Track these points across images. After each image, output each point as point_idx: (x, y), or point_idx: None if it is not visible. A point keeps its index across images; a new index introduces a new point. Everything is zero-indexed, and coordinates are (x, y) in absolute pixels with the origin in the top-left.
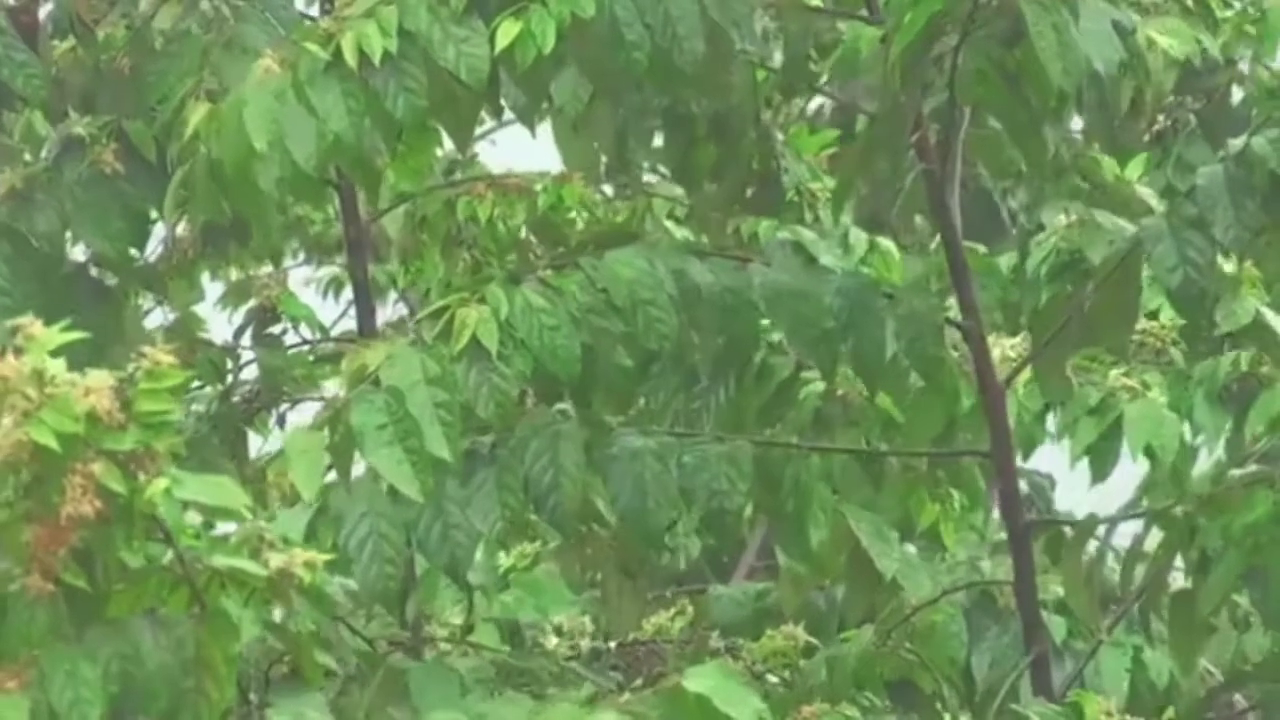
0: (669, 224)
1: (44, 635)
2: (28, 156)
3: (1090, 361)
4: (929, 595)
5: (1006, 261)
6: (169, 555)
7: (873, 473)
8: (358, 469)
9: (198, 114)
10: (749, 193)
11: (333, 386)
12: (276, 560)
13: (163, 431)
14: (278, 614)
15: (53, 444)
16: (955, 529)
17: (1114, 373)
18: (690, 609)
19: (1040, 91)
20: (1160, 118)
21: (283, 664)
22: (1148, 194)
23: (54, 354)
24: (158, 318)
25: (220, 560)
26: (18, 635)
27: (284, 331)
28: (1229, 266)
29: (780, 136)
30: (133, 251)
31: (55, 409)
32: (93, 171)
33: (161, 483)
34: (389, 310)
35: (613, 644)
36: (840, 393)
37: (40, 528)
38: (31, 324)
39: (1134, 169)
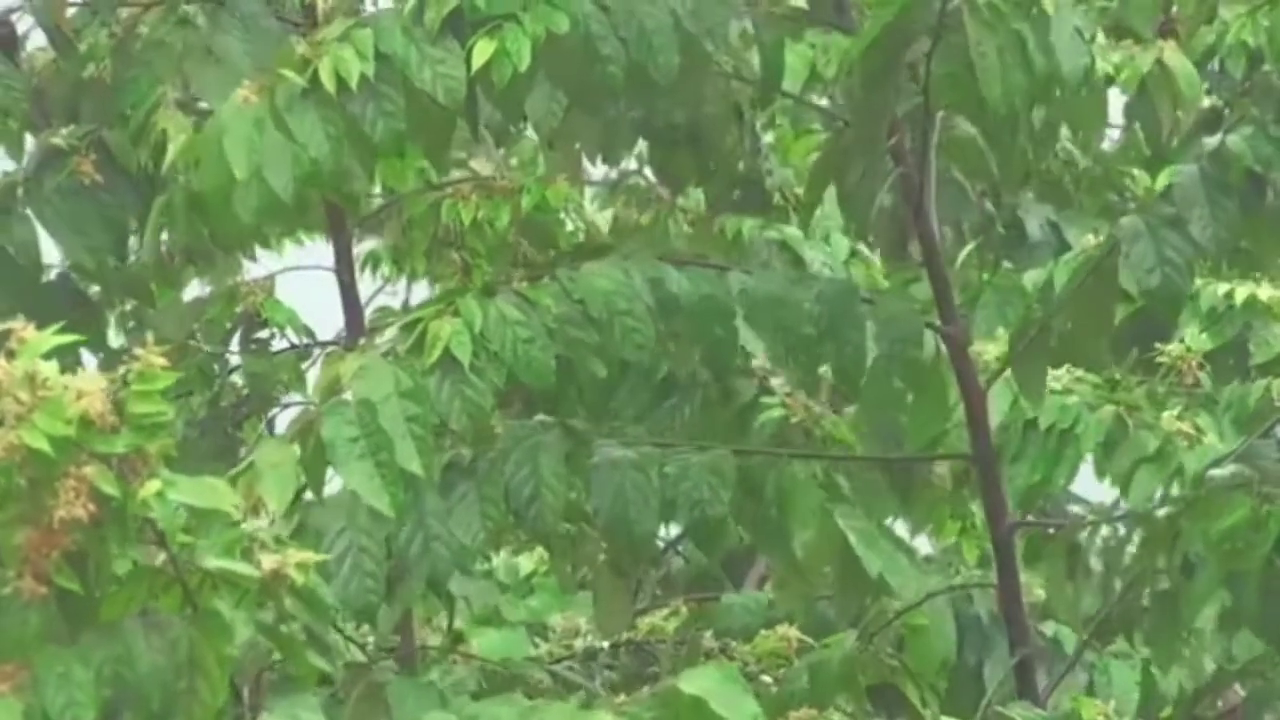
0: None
1: (37, 638)
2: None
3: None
4: (915, 598)
5: (1032, 279)
6: (161, 557)
7: (899, 487)
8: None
9: (174, 137)
10: (735, 195)
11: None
12: (269, 562)
13: (155, 434)
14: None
15: (45, 447)
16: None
17: (1167, 415)
18: (685, 610)
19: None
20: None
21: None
22: None
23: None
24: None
25: (212, 562)
26: (10, 638)
27: (272, 336)
28: (1262, 294)
29: (766, 140)
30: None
31: (48, 412)
32: (72, 182)
33: (154, 485)
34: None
35: (606, 644)
36: (797, 420)
37: (33, 531)
38: (23, 328)
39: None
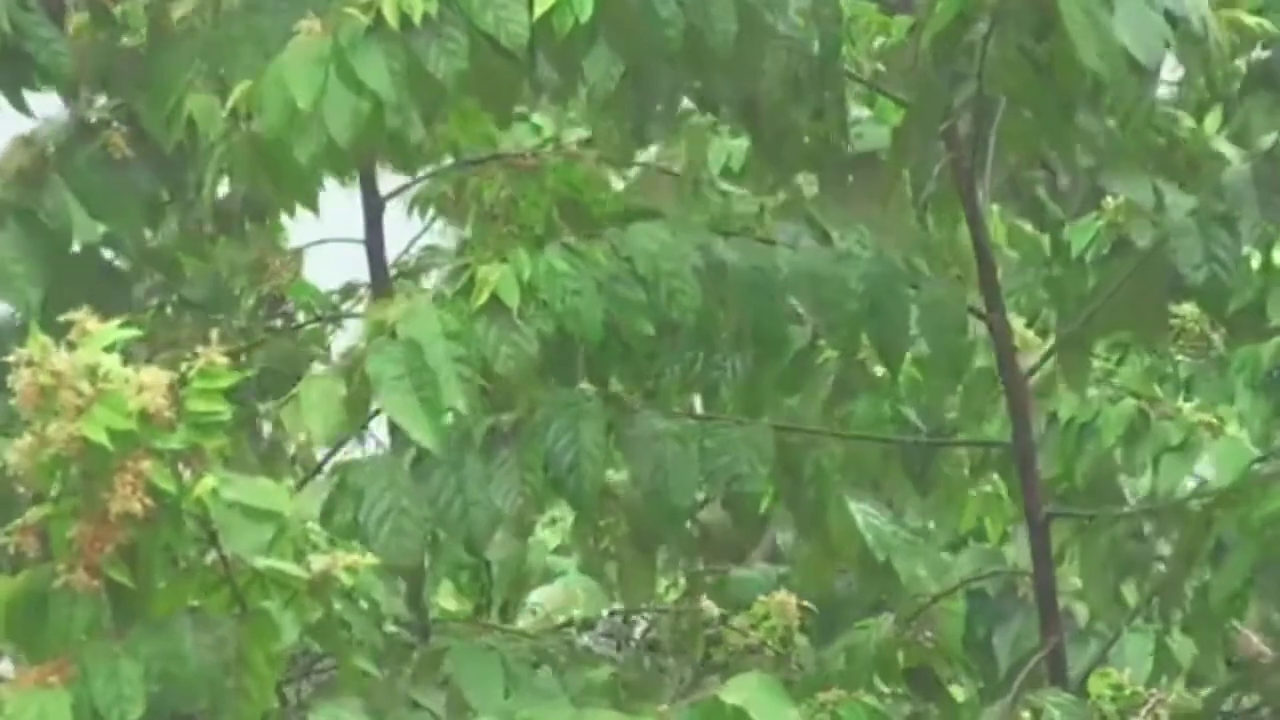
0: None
1: (83, 632)
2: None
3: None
4: (939, 582)
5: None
6: (211, 555)
7: (921, 477)
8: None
9: (202, 118)
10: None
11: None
12: (319, 563)
13: (212, 432)
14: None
15: (104, 440)
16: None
17: (1188, 406)
18: (683, 581)
19: (1071, 81)
20: None
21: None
22: (1225, 148)
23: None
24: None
25: (262, 561)
26: (58, 631)
27: (297, 310)
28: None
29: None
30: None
31: (108, 405)
32: (103, 154)
33: (210, 482)
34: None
35: (605, 612)
36: (861, 356)
37: (86, 524)
38: (86, 319)
39: (1212, 122)
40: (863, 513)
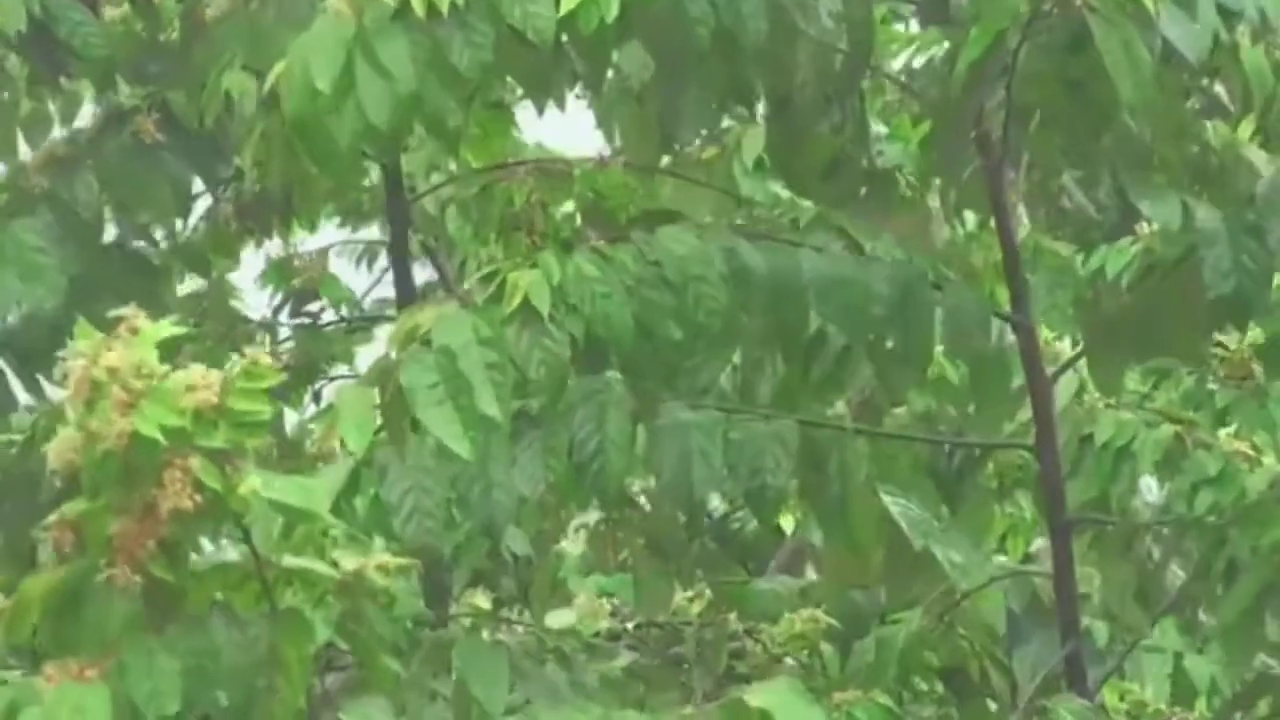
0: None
1: (120, 628)
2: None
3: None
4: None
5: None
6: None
7: (946, 491)
8: None
9: (240, 97)
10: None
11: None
12: (350, 562)
13: (255, 431)
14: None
15: (157, 436)
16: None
17: (1224, 433)
18: (709, 592)
19: (1106, 99)
20: None
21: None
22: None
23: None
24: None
25: (291, 560)
26: (93, 626)
27: (321, 309)
28: None
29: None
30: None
31: (159, 401)
32: (134, 142)
33: (255, 481)
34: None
35: (630, 625)
36: None
37: (129, 520)
38: (135, 316)
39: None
40: (895, 502)
